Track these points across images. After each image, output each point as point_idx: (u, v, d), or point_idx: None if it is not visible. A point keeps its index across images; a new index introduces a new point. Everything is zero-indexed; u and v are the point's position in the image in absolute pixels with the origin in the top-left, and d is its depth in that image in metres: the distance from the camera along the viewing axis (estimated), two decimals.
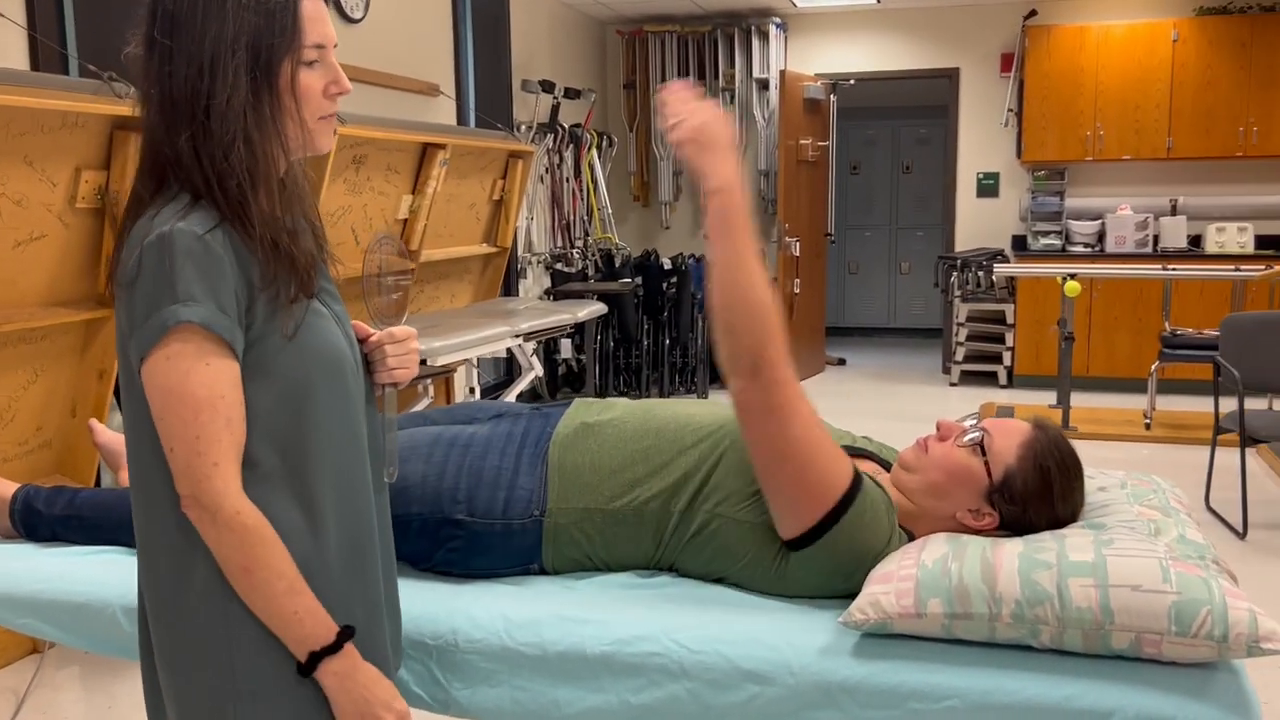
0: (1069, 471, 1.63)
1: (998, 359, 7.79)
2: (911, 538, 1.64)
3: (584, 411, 1.81)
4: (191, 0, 1.20)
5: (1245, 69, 7.24)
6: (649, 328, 7.38)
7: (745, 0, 7.76)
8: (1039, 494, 1.61)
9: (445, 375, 5.03)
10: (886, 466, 1.81)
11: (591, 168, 7.74)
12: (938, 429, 1.72)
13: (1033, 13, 7.77)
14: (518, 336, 4.92)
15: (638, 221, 8.76)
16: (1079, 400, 6.91)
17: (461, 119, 6.09)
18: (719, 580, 1.68)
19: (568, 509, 1.69)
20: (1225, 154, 7.33)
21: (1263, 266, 6.30)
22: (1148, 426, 6.20)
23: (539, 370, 5.53)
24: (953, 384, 7.85)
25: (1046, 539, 1.50)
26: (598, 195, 7.77)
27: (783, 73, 7.56)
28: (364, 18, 5.14)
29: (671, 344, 7.35)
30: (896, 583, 1.47)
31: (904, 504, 1.68)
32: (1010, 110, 7.94)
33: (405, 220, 4.97)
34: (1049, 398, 6.99)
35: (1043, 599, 1.38)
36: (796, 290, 7.85)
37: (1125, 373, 7.41)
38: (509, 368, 6.77)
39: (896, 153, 10.30)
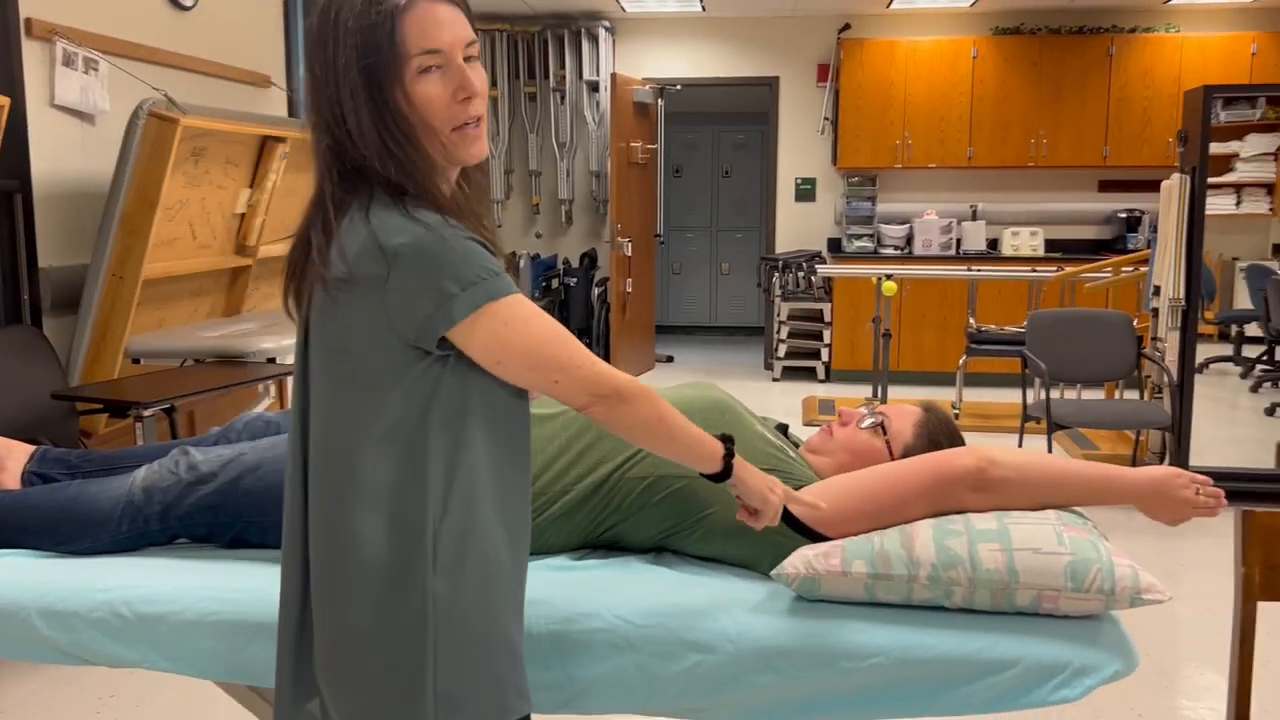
0: (956, 444, 1.81)
1: (816, 355, 8.18)
2: None
3: None
4: (320, 28, 1.23)
5: (1037, 85, 7.87)
6: None
7: (575, 3, 7.86)
8: None
9: (287, 376, 4.91)
10: None
11: None
12: (839, 416, 1.87)
13: (846, 26, 8.20)
14: None
15: None
16: (893, 393, 7.35)
17: (293, 111, 5.94)
18: (662, 549, 1.78)
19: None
20: (1019, 164, 7.95)
21: (1053, 268, 6.88)
22: (956, 416, 6.66)
23: None
24: (775, 379, 8.18)
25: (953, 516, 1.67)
26: None
27: (613, 76, 7.70)
28: (195, 5, 4.95)
29: None
30: (825, 548, 1.60)
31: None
32: (826, 119, 8.34)
33: (243, 215, 4.83)
34: (865, 391, 7.40)
35: (956, 562, 1.54)
36: (629, 290, 8.01)
37: (934, 367, 7.92)
38: None
39: (717, 157, 10.63)
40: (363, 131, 1.24)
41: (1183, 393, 4.93)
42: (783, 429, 2.00)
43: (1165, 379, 4.97)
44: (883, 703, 1.54)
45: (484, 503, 1.29)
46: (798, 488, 1.71)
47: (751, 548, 1.70)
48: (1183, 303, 4.94)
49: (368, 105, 1.23)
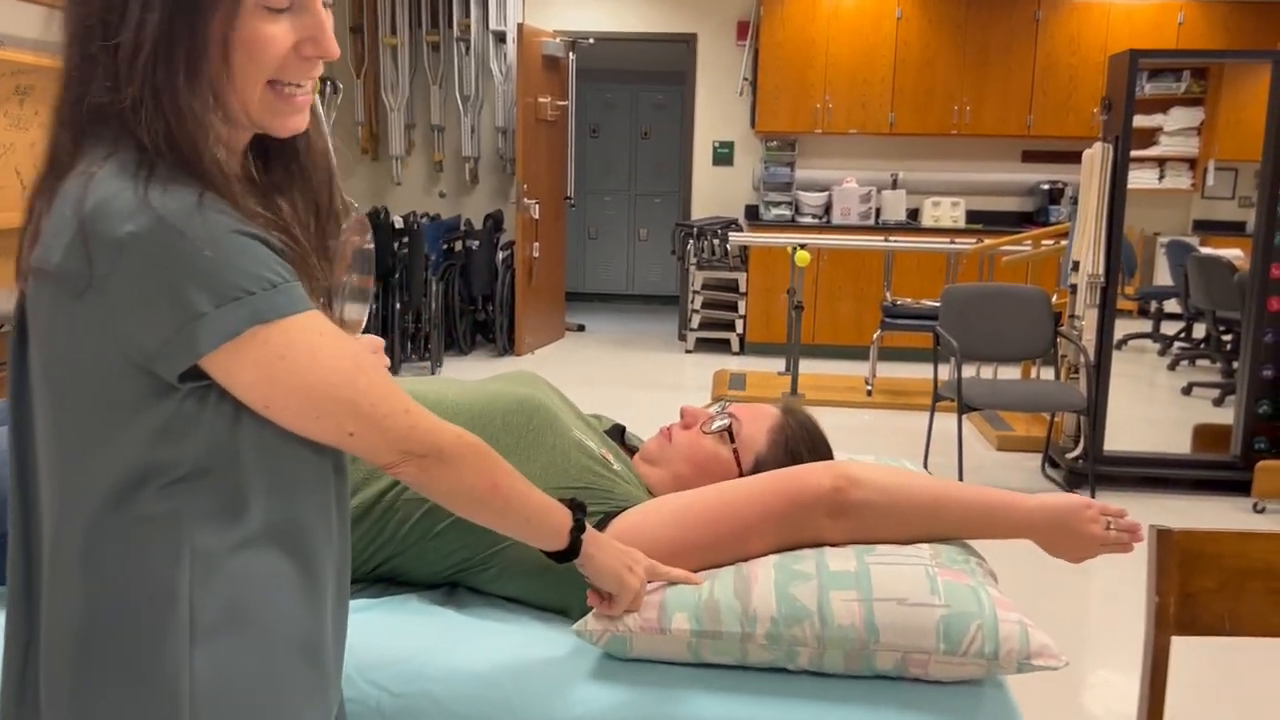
0: (818, 452, 1.48)
1: (731, 326, 7.88)
2: None
3: None
4: None
5: (961, 49, 7.59)
6: (378, 290, 6.93)
7: None
8: None
9: None
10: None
11: (314, 114, 7.16)
12: (682, 416, 1.53)
13: None
14: None
15: (367, 176, 8.24)
16: (806, 367, 7.08)
17: None
18: (455, 584, 1.44)
19: None
20: (942, 131, 7.69)
21: (973, 240, 6.63)
22: (869, 393, 6.40)
23: None
24: (688, 351, 7.87)
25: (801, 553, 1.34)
26: None
27: (520, 26, 7.26)
28: None
29: (403, 309, 6.94)
30: (642, 595, 1.26)
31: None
32: (745, 79, 7.99)
33: None
34: (779, 364, 7.12)
35: (801, 616, 1.21)
36: (536, 254, 7.61)
37: (849, 340, 7.66)
38: None
39: (635, 118, 10.23)
40: (136, 57, 0.86)
41: (1099, 374, 4.70)
42: (618, 431, 1.65)
43: (1082, 359, 4.73)
44: None
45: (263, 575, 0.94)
46: (618, 511, 1.37)
47: (559, 589, 1.36)
48: (1101, 279, 4.70)
49: (164, 24, 0.86)
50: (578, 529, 1.15)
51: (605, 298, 10.53)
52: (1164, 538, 1.68)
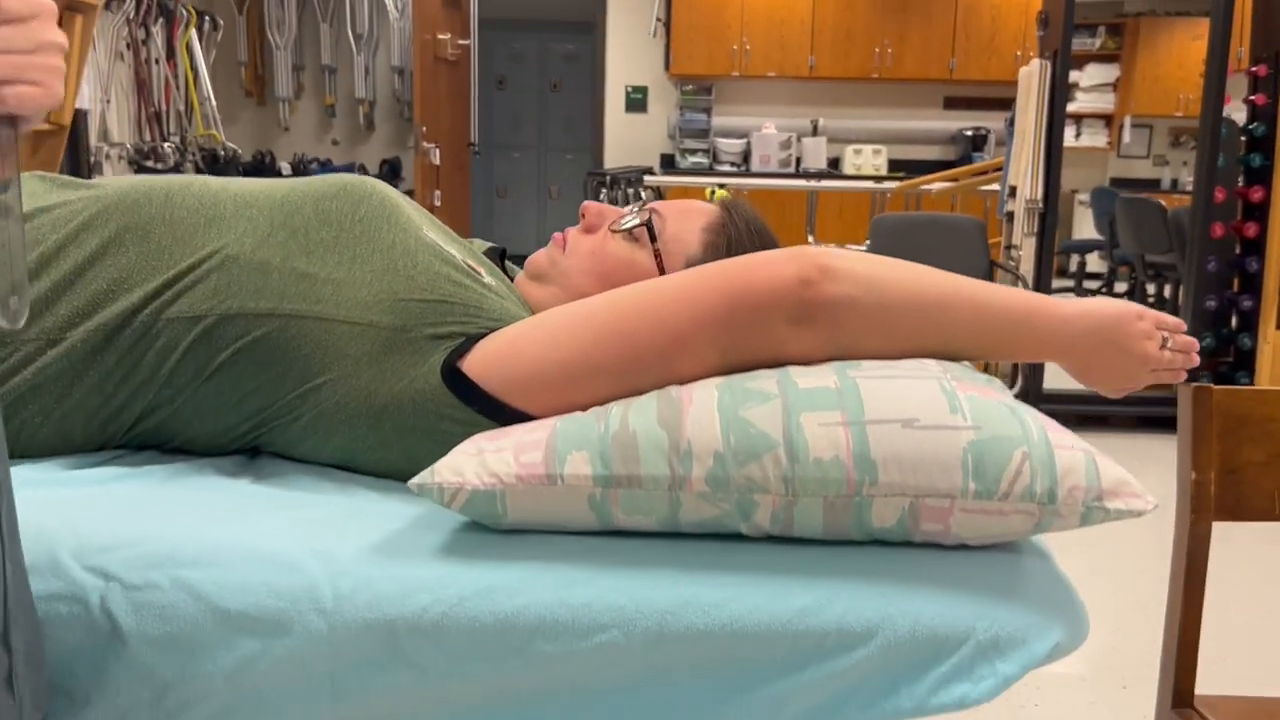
0: None
1: None
2: None
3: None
4: None
5: None
6: None
7: None
8: None
9: None
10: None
11: (190, 52, 6.55)
12: (582, 216, 1.11)
13: None
14: None
15: (252, 120, 7.62)
16: None
17: None
18: (256, 451, 1.01)
19: None
20: (863, 75, 7.37)
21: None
22: None
23: None
24: None
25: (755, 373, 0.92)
26: (198, 86, 6.60)
27: None
28: None
29: None
30: (519, 435, 0.84)
31: None
32: (659, 20, 7.57)
33: None
34: None
35: (760, 449, 0.79)
36: (437, 204, 7.09)
37: None
38: None
39: (544, 69, 9.74)
40: None
41: None
42: (497, 254, 1.22)
43: (1020, 289, 4.43)
44: (615, 710, 0.79)
45: None
46: (486, 332, 0.94)
47: (408, 440, 0.93)
48: (1040, 205, 4.39)
49: None
50: None
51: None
52: (1201, 398, 1.32)
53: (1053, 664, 0.79)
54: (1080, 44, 8.70)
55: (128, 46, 5.96)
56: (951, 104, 7.74)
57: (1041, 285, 4.39)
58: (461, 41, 7.35)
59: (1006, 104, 7.49)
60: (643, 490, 0.80)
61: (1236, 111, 4.51)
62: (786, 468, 0.79)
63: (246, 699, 0.78)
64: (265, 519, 0.86)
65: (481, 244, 1.22)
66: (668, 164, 7.67)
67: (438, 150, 7.04)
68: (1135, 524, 3.16)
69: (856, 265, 0.89)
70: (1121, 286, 7.89)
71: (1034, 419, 0.82)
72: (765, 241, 1.06)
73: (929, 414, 0.80)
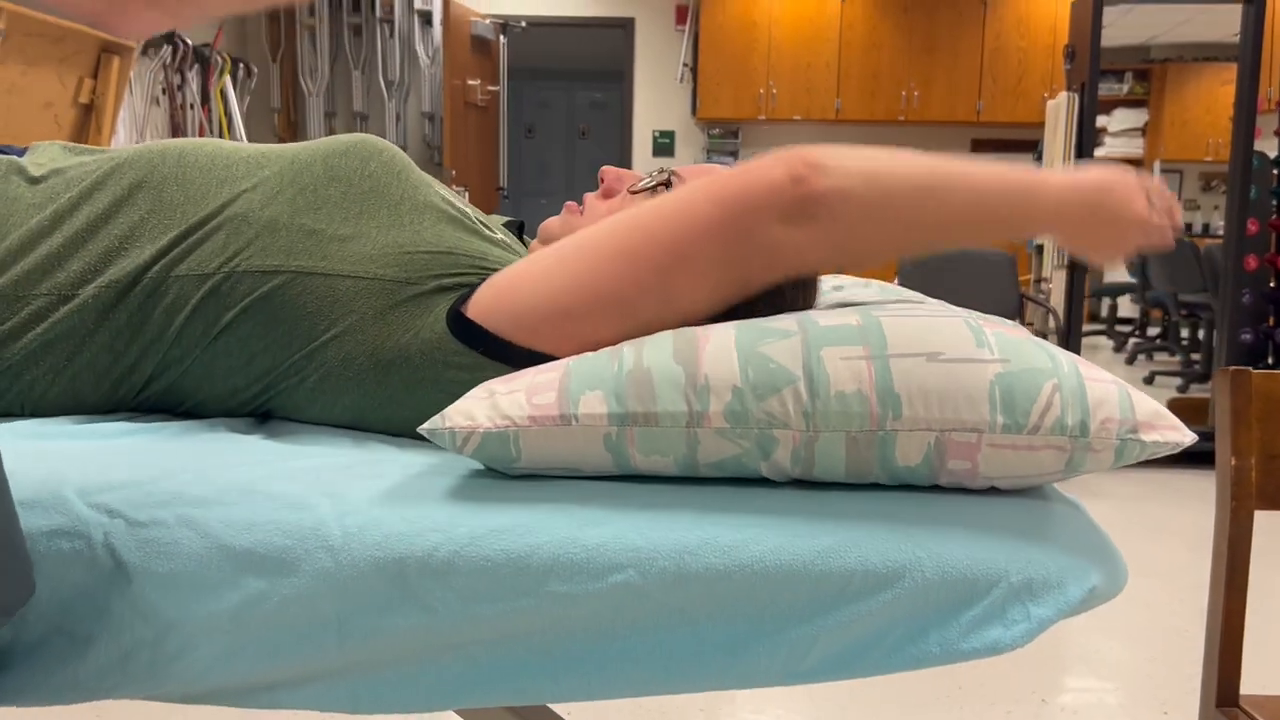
0: None
1: None
2: None
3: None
4: None
5: (908, 33, 7.32)
6: None
7: None
8: None
9: None
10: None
11: (225, 98, 6.67)
12: (601, 180, 1.09)
13: None
14: None
15: None
16: None
17: None
18: (268, 415, 1.00)
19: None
20: (889, 118, 7.39)
21: None
22: None
23: None
24: None
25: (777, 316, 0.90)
26: (232, 131, 6.71)
27: (447, 3, 6.85)
28: None
29: None
30: (531, 376, 0.82)
31: None
32: (686, 65, 7.65)
33: None
34: None
35: (780, 383, 0.77)
36: None
37: None
38: None
39: (572, 116, 9.85)
40: None
41: (1070, 339, 4.35)
42: (515, 226, 1.21)
43: (1051, 324, 4.38)
44: (631, 661, 0.76)
45: None
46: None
47: (417, 395, 0.92)
48: None
49: None
50: None
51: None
52: (1240, 382, 1.28)
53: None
54: (1108, 89, 8.71)
55: (164, 91, 6.07)
56: (979, 146, 7.74)
57: (1073, 317, 4.34)
58: (491, 88, 7.45)
59: (1034, 145, 7.48)
60: (659, 428, 0.78)
61: (1267, 142, 4.47)
62: (807, 402, 0.76)
63: (252, 639, 0.76)
64: (275, 464, 0.84)
65: (500, 219, 1.21)
66: None
67: (466, 194, 7.10)
68: (1173, 550, 3.09)
69: (847, 158, 0.86)
70: (1154, 330, 7.81)
71: (1063, 354, 0.80)
72: None
73: (954, 347, 0.78)
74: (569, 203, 1.10)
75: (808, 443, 0.77)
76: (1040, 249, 4.54)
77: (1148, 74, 8.69)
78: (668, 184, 1.03)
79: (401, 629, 0.76)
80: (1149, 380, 6.46)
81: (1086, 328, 8.25)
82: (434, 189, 1.01)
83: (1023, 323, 4.69)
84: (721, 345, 0.79)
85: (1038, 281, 4.58)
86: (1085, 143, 4.29)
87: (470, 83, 7.11)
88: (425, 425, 0.80)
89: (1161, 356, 7.44)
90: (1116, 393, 0.77)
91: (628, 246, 0.86)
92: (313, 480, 0.81)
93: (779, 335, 0.80)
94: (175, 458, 0.85)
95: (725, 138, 7.62)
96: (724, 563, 0.75)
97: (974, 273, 4.51)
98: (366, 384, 0.93)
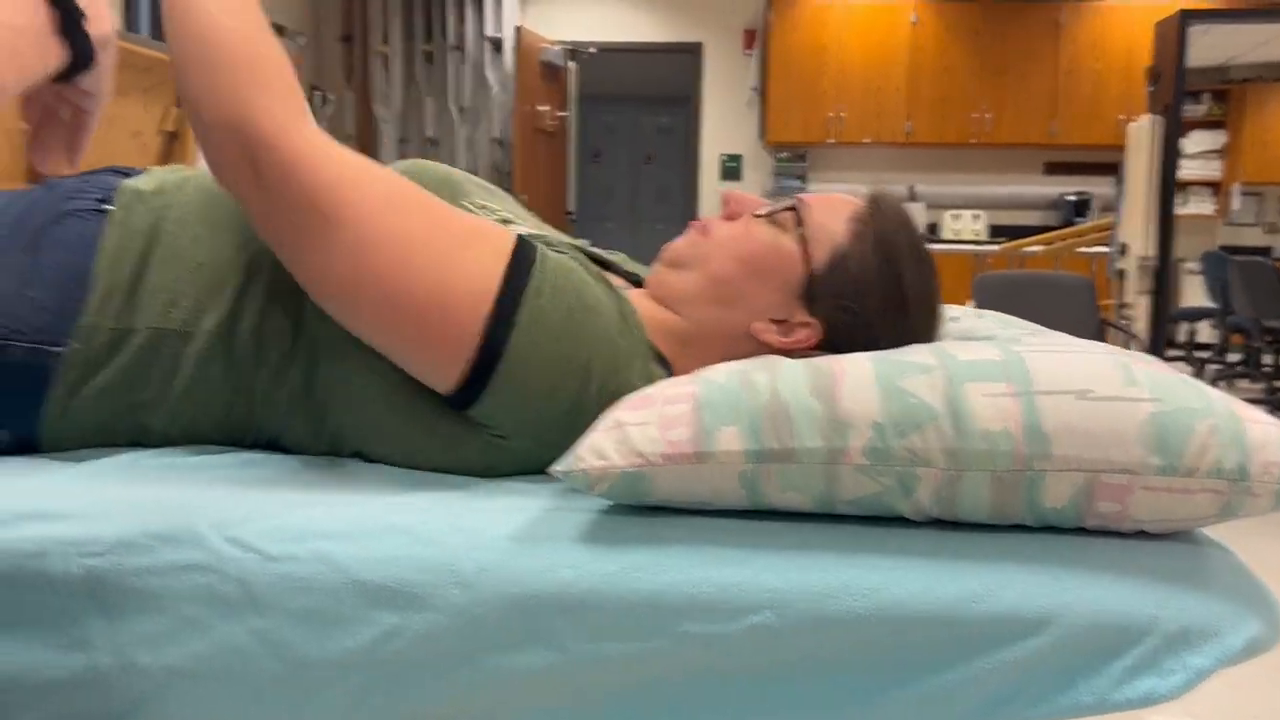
0: (922, 258, 1.01)
1: None
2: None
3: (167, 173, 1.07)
4: None
5: (980, 56, 7.24)
6: None
7: None
8: (884, 287, 0.98)
9: None
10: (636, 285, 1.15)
11: None
12: (725, 204, 1.08)
13: None
14: None
15: None
16: None
17: (132, 25, 5.07)
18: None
19: (116, 329, 0.94)
20: (960, 140, 7.31)
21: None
22: None
23: None
24: None
25: (909, 347, 0.88)
26: None
27: (519, 30, 6.92)
28: None
29: None
30: (661, 406, 0.80)
31: (666, 323, 1.01)
32: (754, 89, 7.63)
33: None
34: None
35: (923, 419, 0.75)
36: None
37: None
38: None
39: (638, 141, 9.89)
40: None
41: None
42: (596, 261, 1.18)
43: (1134, 350, 4.28)
44: (762, 708, 0.74)
45: None
46: None
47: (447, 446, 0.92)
48: (1154, 260, 4.27)
49: None
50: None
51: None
52: None
53: None
54: (1185, 110, 8.54)
55: None
56: (1052, 169, 7.62)
57: (1157, 343, 4.24)
58: (560, 113, 7.51)
59: (1109, 168, 7.34)
60: (797, 465, 0.76)
61: None
62: (951, 439, 0.74)
63: (384, 676, 0.75)
64: (401, 495, 0.84)
65: (582, 241, 1.20)
66: None
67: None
68: None
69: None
70: (1235, 356, 7.61)
71: (1215, 393, 0.77)
72: (912, 234, 1.02)
73: (1103, 384, 0.75)
74: (694, 221, 1.08)
75: (950, 481, 0.75)
76: (1121, 274, 4.45)
77: (1226, 95, 8.50)
78: (794, 210, 1.02)
79: (532, 668, 0.75)
80: None
81: (1166, 353, 8.06)
82: (491, 205, 1.02)
83: None
84: (859, 379, 0.78)
85: (1120, 307, 4.49)
86: (1169, 166, 4.21)
87: (540, 109, 7.17)
88: (557, 466, 0.79)
89: (1243, 384, 7.23)
90: (1277, 435, 0.73)
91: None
92: (441, 512, 0.81)
93: (918, 370, 0.78)
94: (303, 489, 0.85)
95: (793, 161, 7.60)
96: (864, 606, 0.73)
97: (1052, 298, 4.43)
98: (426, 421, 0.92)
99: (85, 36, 0.72)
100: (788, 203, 1.02)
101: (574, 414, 0.87)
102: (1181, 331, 8.39)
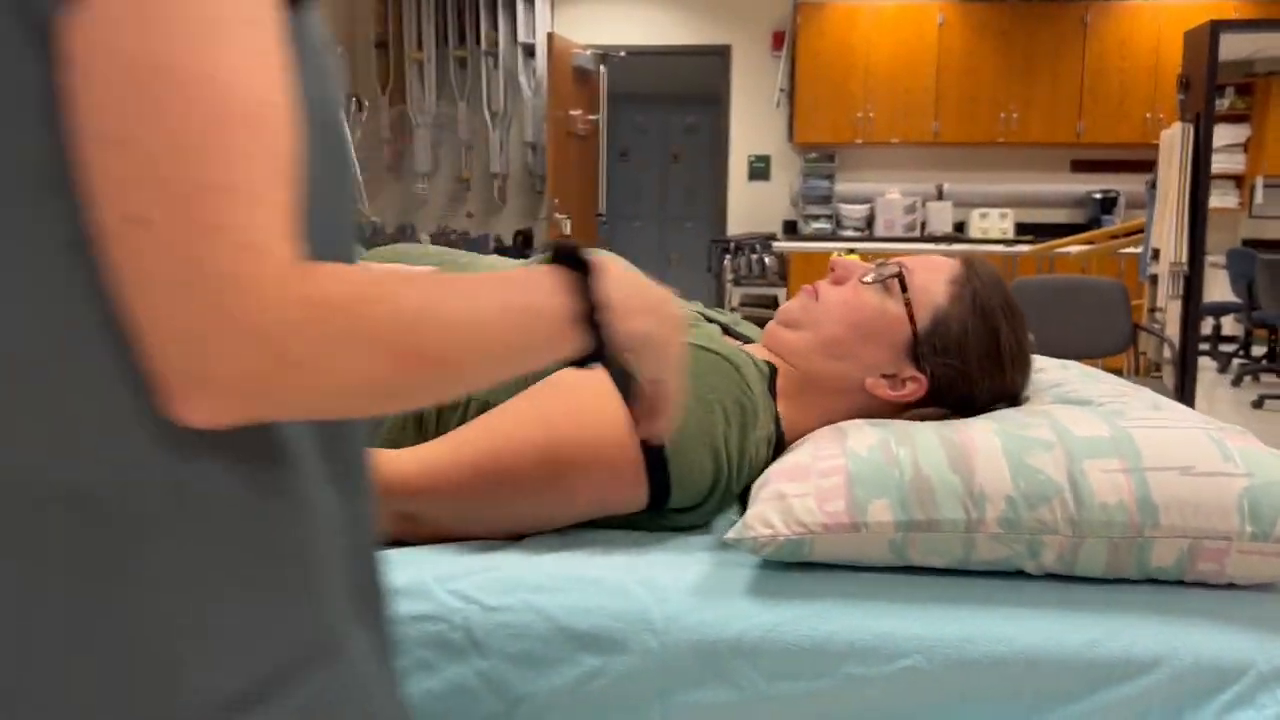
0: (1016, 318, 1.15)
1: None
2: (782, 439, 1.10)
3: None
4: None
5: (1007, 56, 7.33)
6: None
7: None
8: (982, 344, 1.12)
9: None
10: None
11: None
12: (832, 270, 1.21)
13: None
14: None
15: (393, 194, 8.01)
16: None
17: None
18: None
19: None
20: (988, 140, 7.40)
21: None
22: None
23: None
24: None
25: (1019, 414, 1.01)
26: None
27: (550, 35, 7.04)
28: None
29: None
30: (816, 479, 0.93)
31: (781, 372, 1.15)
32: (782, 90, 7.74)
33: None
34: None
35: (1049, 494, 0.88)
36: None
37: None
38: None
39: (666, 140, 10.00)
40: None
41: (1185, 368, 4.36)
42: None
43: (1166, 353, 4.39)
44: None
45: None
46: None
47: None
48: (1185, 267, 4.37)
49: None
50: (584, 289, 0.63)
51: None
52: None
53: None
54: None
55: None
56: (1079, 167, 7.70)
57: (1188, 349, 4.35)
58: (591, 117, 7.63)
59: (1137, 166, 7.42)
60: (940, 534, 0.89)
61: None
62: (1074, 511, 0.87)
63: (587, 712, 0.89)
64: (582, 550, 0.97)
65: (698, 304, 1.33)
66: (790, 230, 7.78)
67: (568, 221, 7.28)
68: None
69: None
70: (1259, 349, 7.68)
71: None
72: (1005, 294, 1.15)
73: (1203, 461, 0.88)
74: (804, 287, 1.21)
75: (1073, 547, 0.88)
76: (1153, 279, 4.55)
77: (1250, 88, 8.54)
78: (898, 277, 1.14)
79: (715, 705, 0.88)
80: (1258, 404, 6.38)
81: None
82: None
83: (1136, 352, 4.70)
84: (990, 454, 0.90)
85: (1151, 311, 4.59)
86: (1201, 174, 4.31)
87: (572, 113, 7.30)
88: (730, 535, 0.92)
89: (1269, 378, 7.32)
90: None
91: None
92: (622, 566, 0.94)
93: (1042, 447, 0.91)
94: (498, 545, 0.98)
95: (821, 161, 7.70)
96: (1001, 650, 0.86)
97: (1087, 303, 4.53)
98: None
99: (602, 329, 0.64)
100: (892, 270, 1.15)
101: (716, 467, 1.01)
102: (1206, 326, 8.47)
